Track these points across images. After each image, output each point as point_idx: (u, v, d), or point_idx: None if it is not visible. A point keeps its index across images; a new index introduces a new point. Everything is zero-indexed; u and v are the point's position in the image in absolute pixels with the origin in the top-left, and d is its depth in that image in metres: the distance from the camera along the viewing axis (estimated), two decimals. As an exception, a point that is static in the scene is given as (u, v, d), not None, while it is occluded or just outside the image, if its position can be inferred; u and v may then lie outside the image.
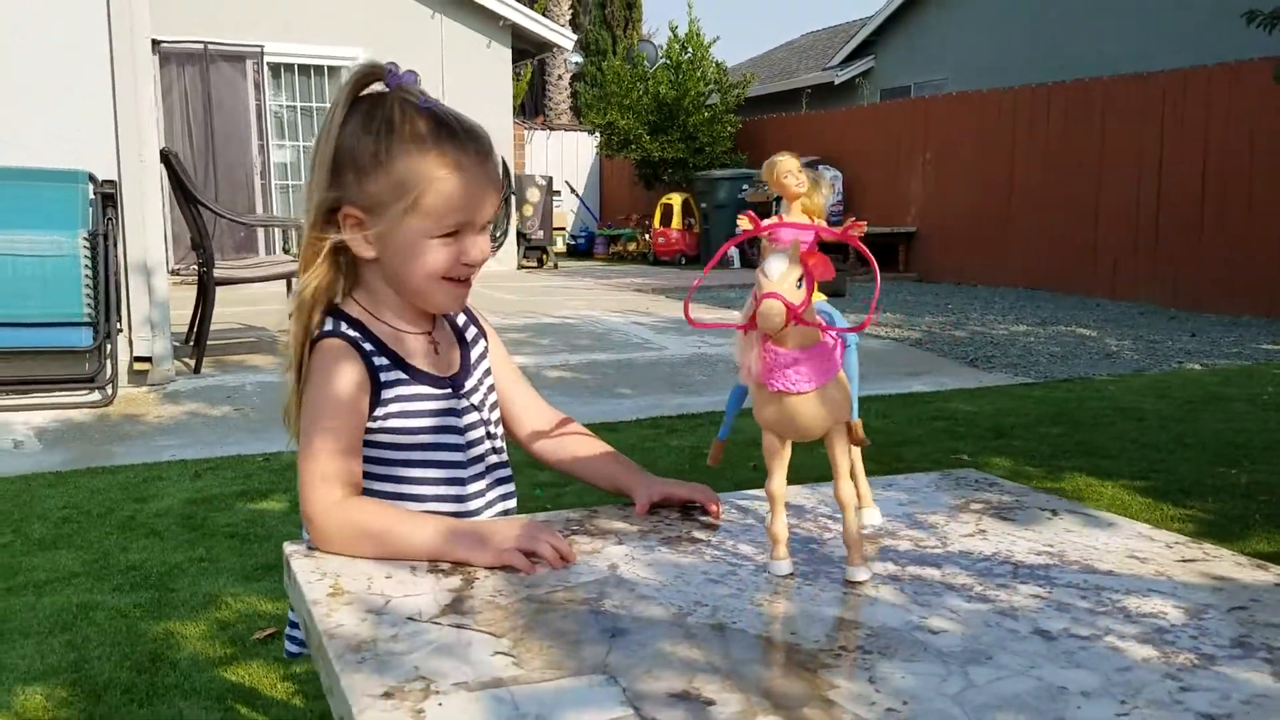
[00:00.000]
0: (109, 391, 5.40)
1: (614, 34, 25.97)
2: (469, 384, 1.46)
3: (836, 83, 19.03)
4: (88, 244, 5.38)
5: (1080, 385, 6.35)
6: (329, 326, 1.37)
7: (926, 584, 1.15)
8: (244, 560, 3.30)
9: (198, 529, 3.59)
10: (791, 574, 1.19)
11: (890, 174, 13.98)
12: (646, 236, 16.27)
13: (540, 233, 14.62)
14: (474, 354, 1.50)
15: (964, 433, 5.01)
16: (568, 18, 23.62)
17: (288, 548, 1.28)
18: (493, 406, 1.50)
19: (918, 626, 1.03)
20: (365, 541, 1.23)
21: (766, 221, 1.15)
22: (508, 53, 13.32)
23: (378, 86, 1.37)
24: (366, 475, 1.35)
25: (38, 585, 3.08)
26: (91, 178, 5.48)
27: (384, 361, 1.37)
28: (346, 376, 1.32)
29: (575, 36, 15.86)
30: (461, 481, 1.42)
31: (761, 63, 23.44)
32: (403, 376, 1.38)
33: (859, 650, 0.98)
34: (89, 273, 5.37)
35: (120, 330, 5.55)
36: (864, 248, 1.13)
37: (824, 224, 1.27)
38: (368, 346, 1.36)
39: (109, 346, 5.43)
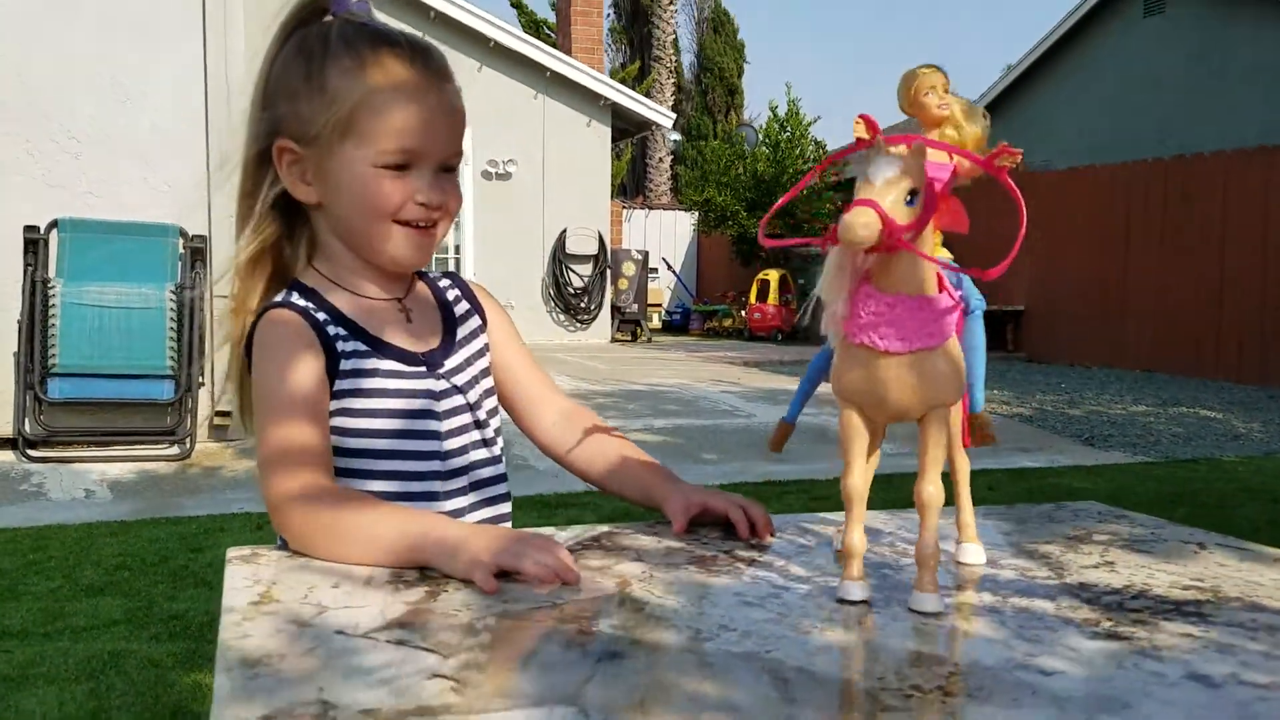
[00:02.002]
0: (187, 445, 5.34)
1: (714, 118, 26.22)
2: (450, 363, 1.19)
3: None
4: (174, 297, 5.39)
5: (1206, 466, 5.83)
6: (277, 299, 1.14)
7: (1035, 616, 0.86)
8: (291, 614, 3.10)
9: (249, 581, 3.42)
10: (866, 600, 0.90)
11: (998, 252, 13.51)
12: (742, 313, 16.05)
13: (635, 307, 14.52)
14: (461, 330, 1.24)
15: (1078, 509, 4.58)
16: (670, 103, 23.91)
17: (230, 552, 1.06)
18: (485, 394, 1.23)
19: (1022, 665, 0.75)
20: (325, 539, 1.00)
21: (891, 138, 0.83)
22: (608, 131, 13.40)
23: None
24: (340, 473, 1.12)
25: (75, 631, 2.92)
26: (182, 232, 5.51)
27: (340, 331, 1.13)
28: (295, 347, 1.09)
29: (674, 115, 15.94)
30: (438, 478, 1.16)
31: (864, 145, 23.25)
32: (362, 347, 1.14)
33: (938, 691, 0.70)
34: (174, 326, 5.37)
35: (202, 384, 5.52)
36: (1011, 184, 0.82)
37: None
38: (320, 315, 1.13)
39: (190, 400, 5.40)
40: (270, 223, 1.15)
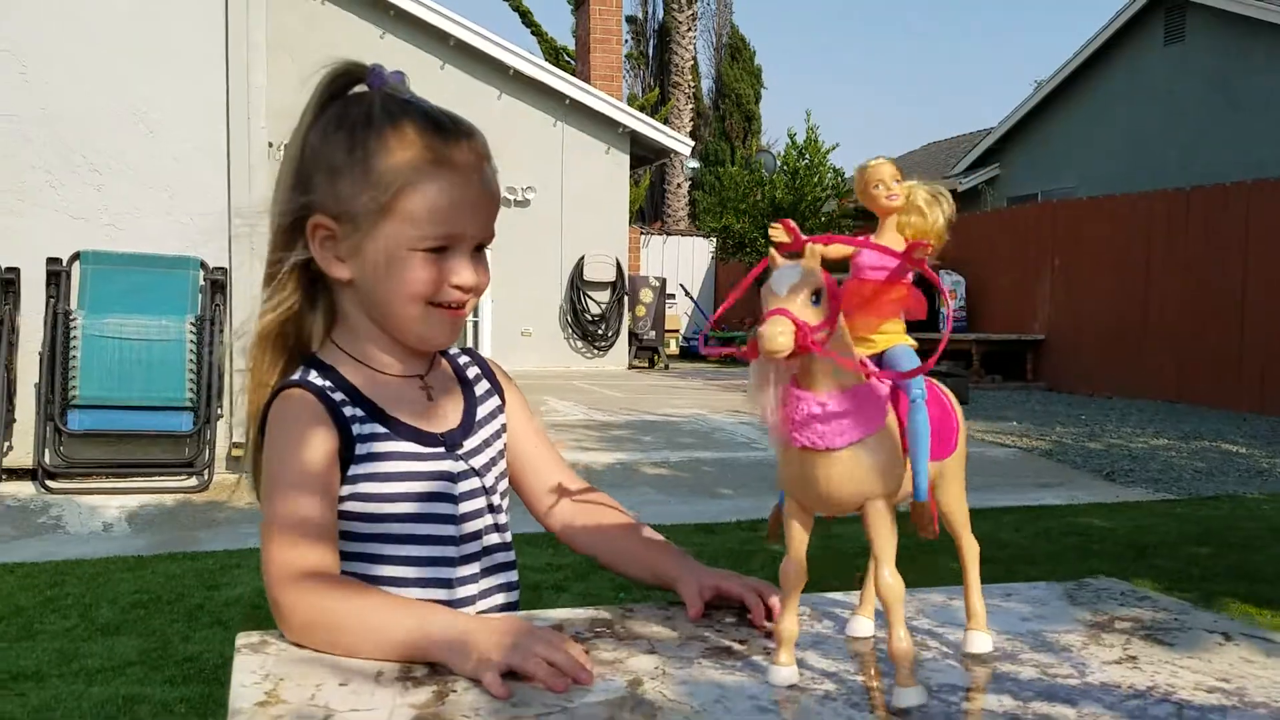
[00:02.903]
0: (205, 476, 5.36)
1: (732, 144, 26.28)
2: (469, 444, 1.19)
3: (960, 189, 18.70)
4: (194, 329, 5.43)
5: (1229, 503, 5.76)
6: (295, 376, 1.13)
7: (1057, 727, 0.85)
8: (306, 656, 3.09)
9: (265, 621, 3.40)
10: (794, 686, 0.92)
11: (1017, 280, 13.46)
12: (761, 341, 16.01)
13: (652, 333, 14.52)
14: (481, 410, 1.23)
15: (1099, 550, 4.53)
16: (689, 129, 23.98)
17: (240, 639, 1.05)
18: (500, 476, 1.23)
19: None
20: (325, 630, 0.99)
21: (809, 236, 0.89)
22: (626, 159, 13.45)
23: (359, 90, 1.15)
24: (353, 558, 1.11)
25: (90, 673, 2.92)
26: (202, 264, 5.55)
27: (357, 412, 1.12)
28: (309, 430, 1.08)
29: (692, 143, 15.98)
30: (451, 564, 1.15)
31: (882, 171, 23.24)
32: (380, 430, 1.13)
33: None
34: (194, 358, 5.40)
35: (220, 415, 5.54)
36: (930, 271, 0.88)
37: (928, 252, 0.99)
38: (337, 396, 1.12)
39: (209, 432, 5.42)
40: (293, 292, 1.14)
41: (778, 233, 0.94)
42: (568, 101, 12.66)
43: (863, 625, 1.11)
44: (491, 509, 1.20)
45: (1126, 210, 11.97)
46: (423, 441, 1.15)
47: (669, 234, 19.61)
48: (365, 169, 1.08)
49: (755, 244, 16.25)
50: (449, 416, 1.19)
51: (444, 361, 1.25)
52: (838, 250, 0.99)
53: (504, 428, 1.26)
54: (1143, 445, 7.91)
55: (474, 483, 1.18)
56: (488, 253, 1.19)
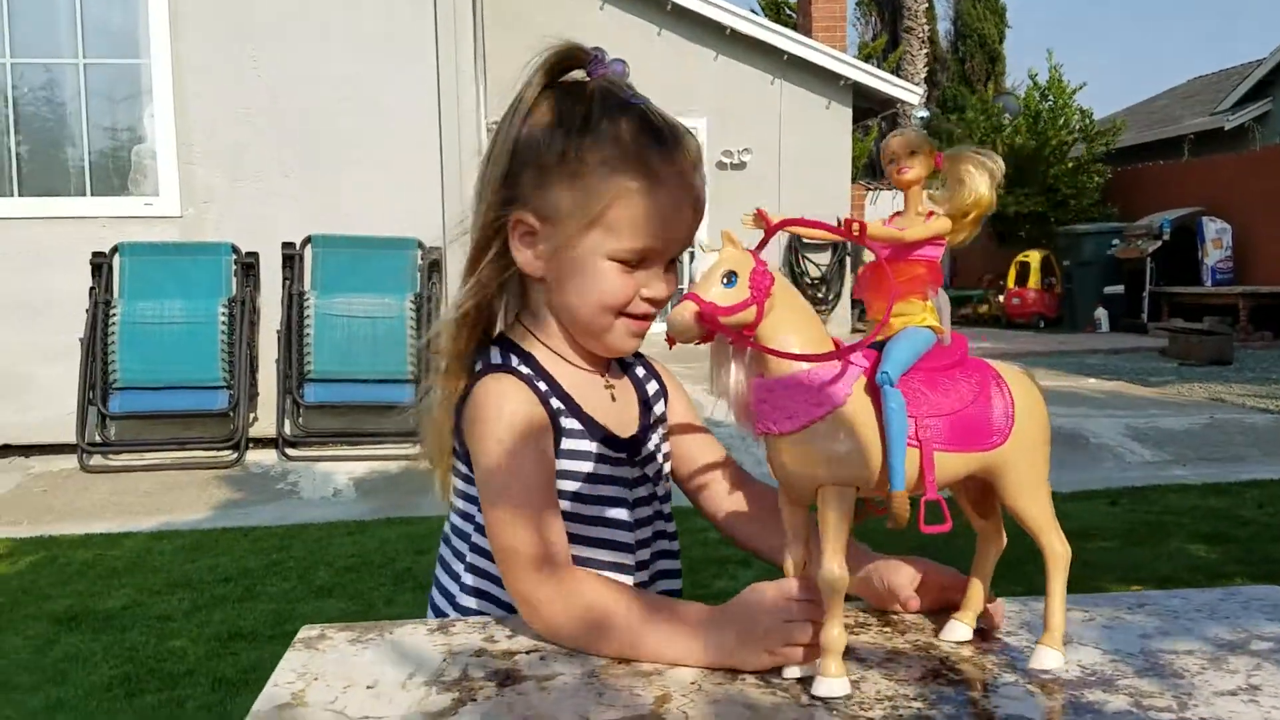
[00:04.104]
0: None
1: (974, 89, 24.95)
2: (646, 449, 1.18)
3: (1226, 128, 17.00)
4: (414, 307, 5.70)
5: None
6: (496, 359, 1.12)
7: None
8: (496, 623, 3.19)
9: (462, 587, 3.55)
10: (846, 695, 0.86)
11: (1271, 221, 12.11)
12: (999, 298, 15.20)
13: (880, 295, 14.07)
14: (654, 414, 1.22)
15: (1367, 530, 3.99)
16: (923, 74, 22.96)
17: (303, 631, 1.07)
18: (665, 479, 1.23)
19: None
20: (602, 638, 0.97)
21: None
22: (848, 113, 13.02)
23: (577, 75, 1.12)
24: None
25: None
26: (420, 244, 5.81)
27: (560, 406, 1.11)
28: (526, 421, 1.07)
29: (920, 90, 15.29)
30: (620, 569, 1.14)
31: (1139, 111, 21.50)
32: (578, 428, 1.12)
33: None
34: (414, 333, 5.68)
35: (440, 387, 5.80)
36: (873, 245, 0.89)
37: (965, 224, 0.95)
38: (542, 387, 1.10)
39: (429, 402, 5.68)
40: (491, 277, 1.14)
41: (749, 220, 0.96)
42: (785, 57, 12.37)
43: (960, 630, 1.00)
44: (663, 517, 1.22)
45: None
46: (611, 445, 1.14)
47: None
48: (577, 175, 1.07)
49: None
50: (631, 420, 1.19)
51: (614, 362, 1.23)
52: (882, 231, 0.93)
53: (669, 431, 1.25)
54: None
55: (647, 489, 1.19)
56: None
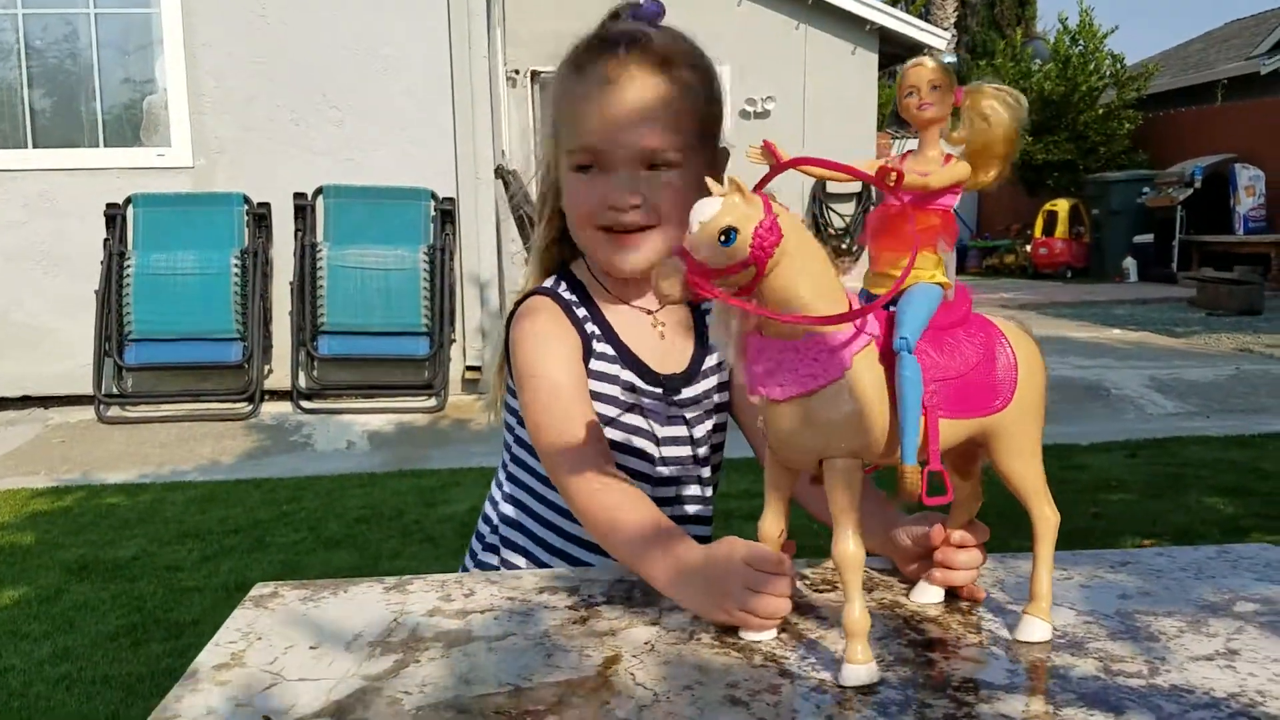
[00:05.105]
0: (442, 397, 5.63)
1: (1004, 33, 24.44)
2: (688, 392, 1.17)
3: (1262, 72, 16.52)
4: (427, 258, 5.66)
5: None
6: (547, 285, 1.17)
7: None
8: (502, 575, 3.18)
9: (469, 536, 3.54)
10: (785, 672, 0.81)
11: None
12: (1026, 248, 14.98)
13: (905, 245, 13.90)
14: (709, 359, 1.19)
15: (1392, 482, 3.91)
16: (952, 20, 22.48)
17: (255, 589, 1.05)
18: (714, 430, 1.21)
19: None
20: (611, 547, 1.03)
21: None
22: (874, 58, 12.78)
23: None
24: (529, 470, 1.19)
25: (305, 584, 3.14)
26: (433, 195, 5.76)
27: (595, 330, 1.14)
28: (549, 332, 1.11)
29: (949, 34, 14.97)
30: None
31: (1174, 55, 20.98)
32: (609, 351, 1.14)
33: None
34: (428, 285, 5.65)
35: (454, 340, 5.79)
36: (901, 197, 0.79)
37: (993, 162, 0.85)
38: (579, 312, 1.14)
39: (443, 355, 5.68)
40: (549, 220, 1.19)
41: (756, 154, 0.82)
42: (810, 2, 12.13)
43: (930, 592, 0.96)
44: (696, 460, 1.19)
45: None
46: (645, 377, 1.15)
47: (927, 137, 18.60)
48: (550, 97, 1.14)
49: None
50: (677, 359, 1.18)
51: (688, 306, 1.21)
52: (907, 179, 0.83)
53: (727, 380, 1.21)
54: None
55: (680, 430, 1.17)
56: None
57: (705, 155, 1.12)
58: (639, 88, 1.06)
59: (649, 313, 1.17)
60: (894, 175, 0.78)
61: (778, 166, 0.80)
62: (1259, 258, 11.68)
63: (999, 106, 0.83)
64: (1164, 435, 4.86)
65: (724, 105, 1.17)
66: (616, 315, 1.15)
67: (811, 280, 0.76)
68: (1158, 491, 3.89)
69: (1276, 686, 0.76)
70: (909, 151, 0.88)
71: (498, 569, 1.24)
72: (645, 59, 1.07)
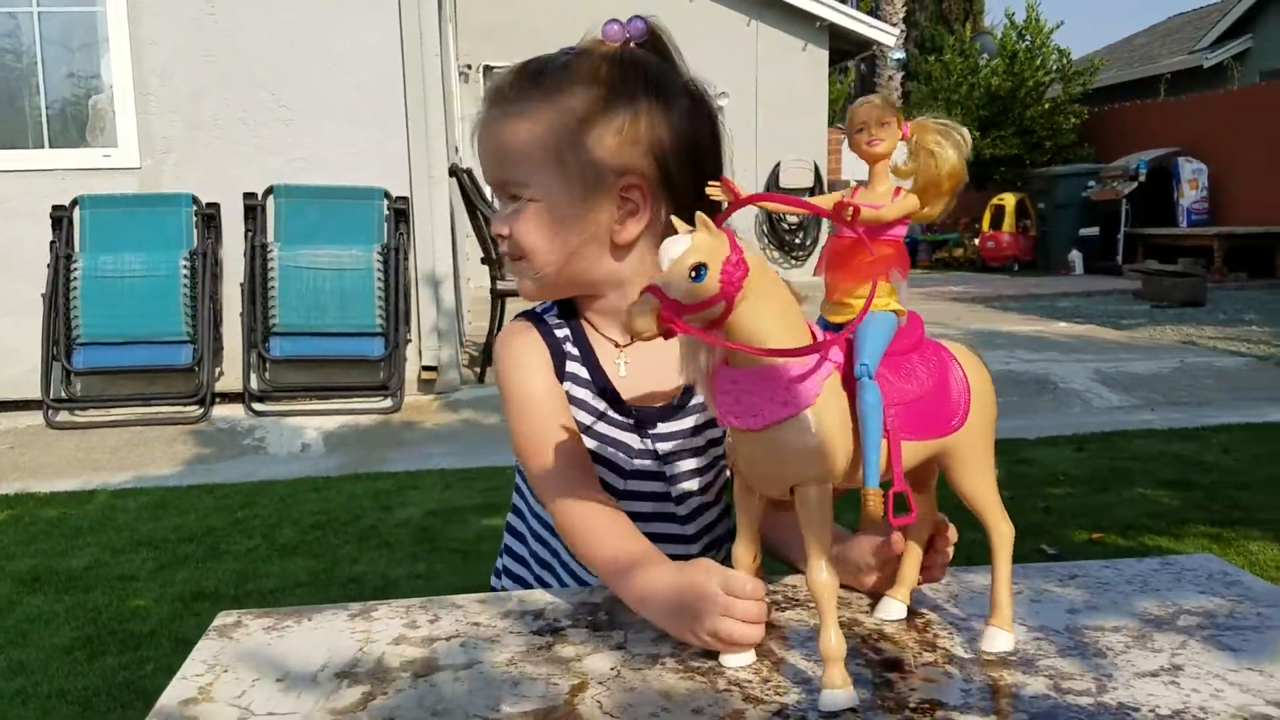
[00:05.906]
0: (398, 398, 5.61)
1: (952, 29, 24.70)
2: (665, 427, 1.15)
3: (1205, 66, 16.91)
4: (381, 258, 5.63)
5: None
6: (537, 308, 1.20)
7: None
8: (461, 578, 3.18)
9: (428, 542, 3.54)
10: (751, 698, 0.83)
11: (1269, 167, 12.11)
12: (974, 241, 15.20)
13: (857, 239, 14.03)
14: (694, 399, 1.16)
15: (1329, 474, 4.03)
16: (901, 15, 22.68)
17: (218, 618, 1.05)
18: (696, 474, 1.18)
19: None
20: (588, 562, 1.08)
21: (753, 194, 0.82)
22: (824, 54, 12.89)
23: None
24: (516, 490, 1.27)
25: (262, 594, 3.12)
26: (386, 194, 5.72)
27: (573, 350, 1.15)
28: (524, 353, 1.14)
29: (898, 31, 15.12)
30: None
31: (1119, 49, 21.37)
32: (583, 375, 1.15)
33: None
34: (382, 285, 5.61)
35: (409, 340, 5.76)
36: (859, 232, 0.81)
37: (939, 198, 0.88)
38: (560, 333, 1.15)
39: (399, 356, 5.65)
40: None
41: (715, 190, 0.85)
42: (761, -1, 12.21)
43: (894, 608, 0.99)
44: (672, 499, 1.18)
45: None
46: (617, 408, 1.15)
47: (878, 131, 18.76)
48: None
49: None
50: (659, 394, 1.16)
51: None
52: (867, 212, 0.86)
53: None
54: None
55: (653, 465, 1.16)
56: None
57: (580, 181, 1.08)
58: (497, 120, 1.10)
59: (616, 345, 1.16)
60: (850, 210, 0.81)
61: (736, 203, 0.82)
62: (1202, 250, 11.94)
63: (945, 143, 0.86)
64: (1110, 429, 4.97)
65: (620, 125, 1.08)
66: (598, 342, 1.17)
67: (777, 311, 0.79)
68: (1104, 485, 3.98)
69: (1218, 703, 0.79)
70: (860, 183, 0.91)
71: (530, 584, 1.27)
72: (503, 92, 1.11)
